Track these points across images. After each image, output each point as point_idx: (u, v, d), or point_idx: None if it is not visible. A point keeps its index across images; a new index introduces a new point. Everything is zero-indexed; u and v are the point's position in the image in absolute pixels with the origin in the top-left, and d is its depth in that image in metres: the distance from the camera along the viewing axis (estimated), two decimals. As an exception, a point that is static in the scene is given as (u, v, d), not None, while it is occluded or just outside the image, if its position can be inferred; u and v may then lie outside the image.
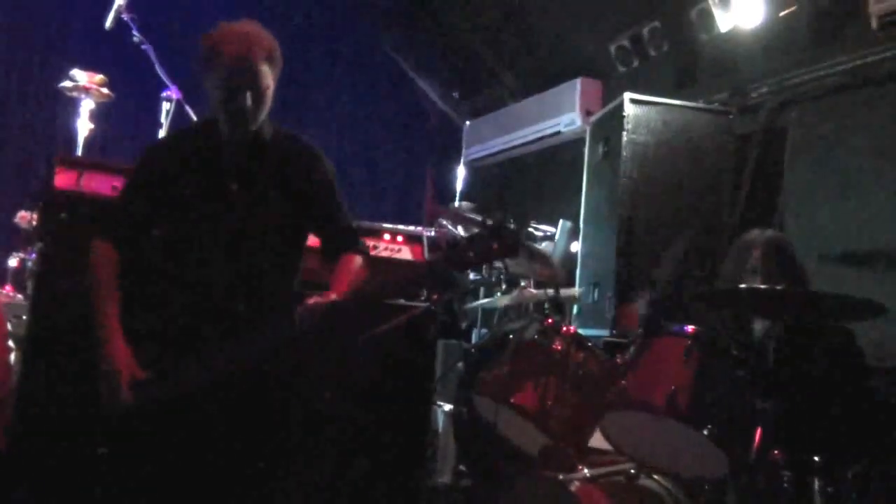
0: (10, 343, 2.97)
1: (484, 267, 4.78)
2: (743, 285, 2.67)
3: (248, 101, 2.25)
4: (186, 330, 2.28)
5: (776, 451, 2.35)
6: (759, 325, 2.92)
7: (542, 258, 3.69)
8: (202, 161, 2.38)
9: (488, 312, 5.05)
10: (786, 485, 2.39)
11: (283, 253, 2.44)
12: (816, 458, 2.48)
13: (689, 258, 3.85)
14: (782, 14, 4.41)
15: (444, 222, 3.77)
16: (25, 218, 4.40)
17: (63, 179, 2.82)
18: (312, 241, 2.56)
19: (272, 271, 2.38)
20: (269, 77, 2.29)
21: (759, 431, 2.30)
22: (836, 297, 2.34)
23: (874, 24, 3.84)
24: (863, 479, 2.61)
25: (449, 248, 2.12)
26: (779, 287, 2.41)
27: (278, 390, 2.36)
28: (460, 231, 3.67)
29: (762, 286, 2.51)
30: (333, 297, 2.25)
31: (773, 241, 2.94)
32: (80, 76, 4.18)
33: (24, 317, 3.19)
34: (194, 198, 2.34)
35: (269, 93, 2.32)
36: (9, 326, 3.00)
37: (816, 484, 2.43)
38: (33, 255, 4.31)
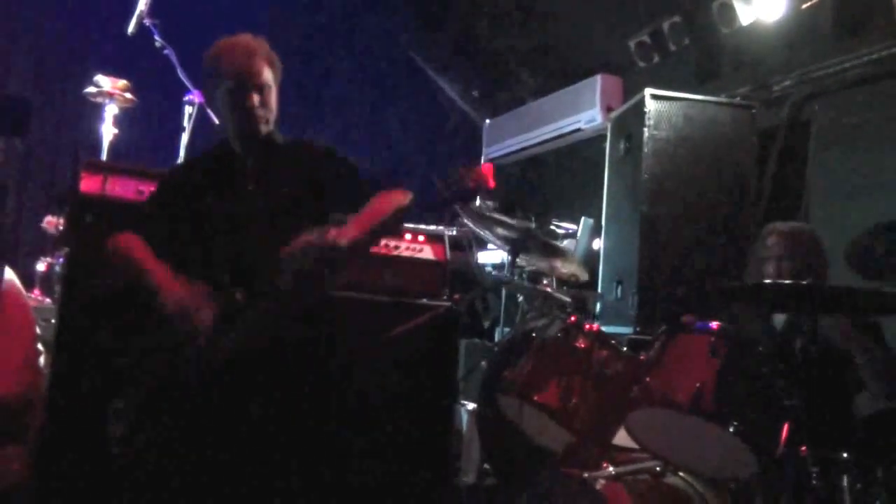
0: (40, 346, 3.01)
1: (507, 265, 4.78)
2: (767, 280, 2.66)
3: (256, 101, 2.36)
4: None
5: (803, 448, 2.33)
6: (778, 319, 2.90)
7: (563, 255, 3.68)
8: (219, 172, 2.47)
9: (510, 311, 5.05)
10: (814, 482, 2.37)
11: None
12: (845, 455, 2.46)
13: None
14: (805, 6, 4.38)
15: (466, 221, 3.76)
16: (52, 223, 4.46)
17: (89, 184, 2.86)
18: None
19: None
20: (271, 79, 2.40)
21: (786, 428, 2.28)
22: (863, 291, 2.31)
23: (898, 14, 3.80)
24: (893, 475, 2.58)
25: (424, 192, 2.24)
26: (804, 282, 2.38)
27: (311, 387, 2.38)
28: (481, 230, 3.67)
29: (786, 281, 2.48)
30: (332, 236, 2.24)
31: (797, 231, 2.94)
32: (104, 82, 4.23)
33: (53, 320, 3.24)
34: (214, 204, 2.42)
35: (274, 95, 2.42)
36: (38, 330, 3.04)
37: (845, 481, 2.40)
38: (61, 260, 4.37)
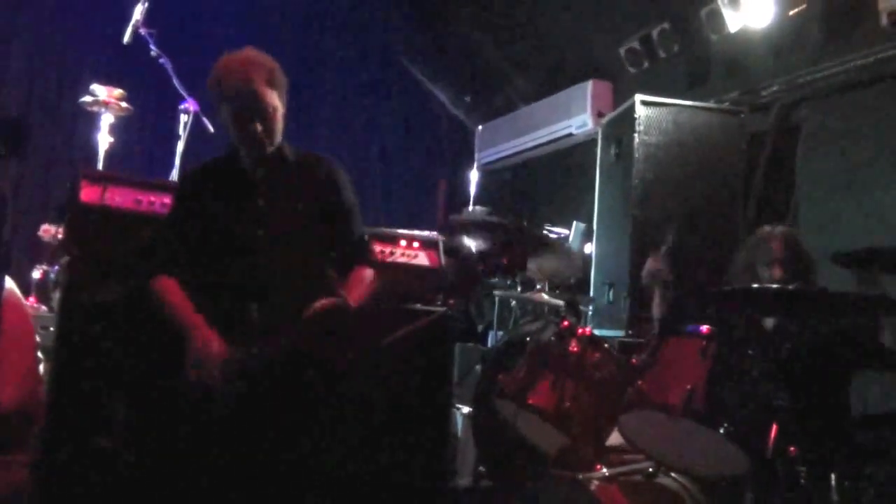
0: (39, 354, 3.04)
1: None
2: (756, 284, 2.71)
3: (259, 129, 2.37)
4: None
5: (792, 448, 2.38)
6: (769, 322, 2.95)
7: (562, 251, 3.71)
8: (230, 183, 2.49)
9: (504, 315, 5.09)
10: (803, 481, 2.42)
11: (309, 262, 2.52)
12: (833, 454, 2.51)
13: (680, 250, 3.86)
14: (792, 13, 4.43)
15: (456, 229, 3.81)
16: (49, 231, 4.48)
17: (88, 193, 2.89)
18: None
19: (298, 280, 2.45)
20: (274, 99, 2.40)
21: (774, 428, 2.33)
22: (851, 294, 2.37)
23: (884, 20, 3.86)
24: (881, 474, 2.63)
25: (461, 262, 2.23)
26: (792, 287, 2.43)
27: (309, 392, 2.41)
28: (470, 240, 3.71)
29: (777, 286, 2.53)
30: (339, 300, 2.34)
31: (789, 234, 3.01)
32: (100, 91, 4.25)
33: (51, 328, 3.26)
34: (225, 216, 2.45)
35: (279, 115, 2.43)
36: (37, 338, 3.07)
37: (833, 480, 2.45)
38: (56, 268, 4.39)
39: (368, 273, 2.57)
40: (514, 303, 4.67)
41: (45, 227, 4.52)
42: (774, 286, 2.70)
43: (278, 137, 2.47)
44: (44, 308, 4.47)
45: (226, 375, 2.26)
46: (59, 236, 4.22)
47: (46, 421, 2.79)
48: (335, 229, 2.57)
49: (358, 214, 2.63)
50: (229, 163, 2.54)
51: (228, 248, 2.44)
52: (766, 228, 3.09)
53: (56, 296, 3.88)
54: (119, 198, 2.90)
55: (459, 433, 3.97)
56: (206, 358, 2.25)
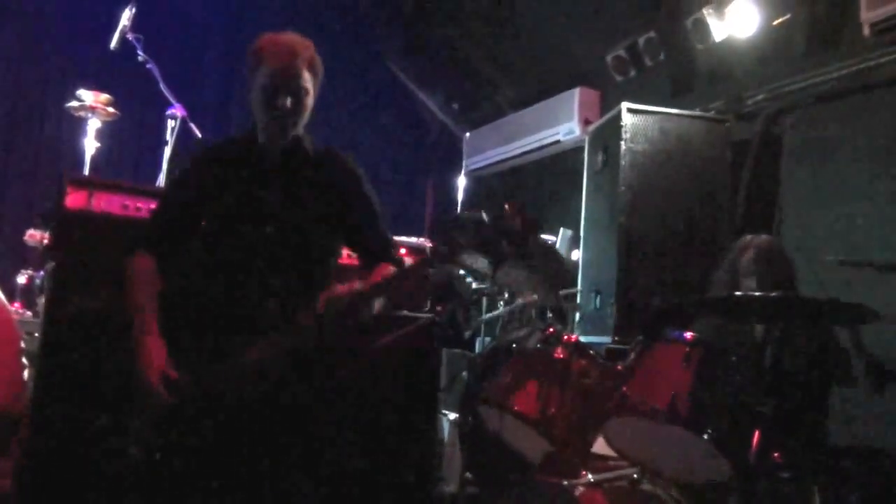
0: (24, 360, 3.02)
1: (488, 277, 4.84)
2: (738, 292, 2.73)
3: (288, 104, 2.31)
4: (218, 335, 2.30)
5: (775, 454, 2.39)
6: (759, 330, 2.97)
7: (552, 254, 3.72)
8: (242, 169, 2.42)
9: (491, 322, 5.10)
10: (786, 487, 2.44)
11: (318, 261, 2.47)
12: (816, 460, 2.53)
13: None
14: (776, 23, 4.48)
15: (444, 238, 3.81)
16: (35, 237, 4.46)
17: (74, 199, 2.88)
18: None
19: (307, 279, 2.40)
20: (309, 83, 2.37)
21: (757, 434, 2.35)
22: (829, 302, 2.39)
23: (867, 31, 3.90)
24: (863, 480, 2.65)
25: (479, 241, 2.13)
26: (773, 293, 2.45)
27: (300, 399, 2.38)
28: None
29: (758, 293, 2.55)
30: (358, 286, 2.28)
31: (764, 244, 3.04)
32: (87, 96, 4.25)
33: (36, 334, 3.25)
34: (233, 205, 2.38)
35: (310, 100, 2.39)
36: (22, 343, 3.05)
37: (816, 486, 2.48)
38: (42, 274, 4.37)
39: (392, 269, 2.45)
40: (501, 308, 4.67)
41: (30, 232, 4.51)
42: (753, 293, 2.72)
43: (302, 124, 2.41)
44: (29, 313, 4.45)
45: (171, 392, 2.19)
46: (45, 242, 4.20)
47: (30, 427, 2.77)
48: (362, 224, 2.52)
49: (381, 217, 2.58)
50: (245, 144, 2.46)
51: (232, 239, 2.37)
52: (746, 238, 3.13)
53: (41, 301, 3.87)
54: (105, 203, 2.90)
55: (446, 439, 3.98)
56: (145, 371, 2.20)
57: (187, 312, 2.34)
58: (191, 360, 2.26)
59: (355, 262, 3.41)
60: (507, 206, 1.95)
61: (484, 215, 2.47)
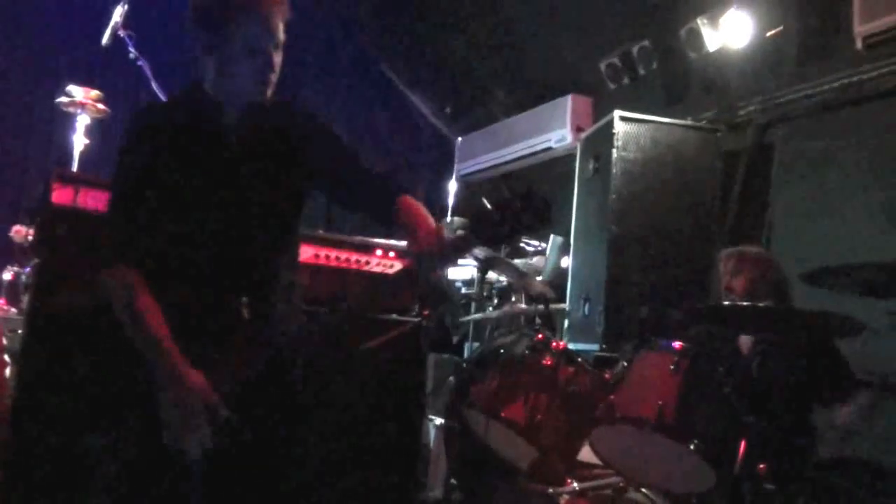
0: (6, 357, 2.99)
1: (476, 281, 4.84)
2: (726, 302, 2.73)
3: (276, 61, 2.03)
4: (190, 334, 1.98)
5: (761, 465, 2.39)
6: (745, 340, 2.98)
7: (532, 274, 3.73)
8: (200, 137, 2.06)
9: (480, 327, 5.09)
10: (771, 498, 2.44)
11: (289, 242, 2.20)
12: (801, 471, 2.53)
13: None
14: (769, 34, 4.49)
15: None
16: (21, 232, 4.42)
17: (60, 195, 2.85)
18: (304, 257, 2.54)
19: (279, 264, 2.14)
20: (282, 35, 2.06)
21: (743, 445, 2.34)
22: (816, 314, 2.39)
23: (859, 44, 3.92)
24: (848, 492, 2.65)
25: (475, 222, 1.83)
26: (761, 304, 2.45)
27: (287, 399, 2.19)
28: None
29: (744, 303, 2.55)
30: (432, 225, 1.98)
31: (752, 255, 3.06)
32: (77, 92, 4.22)
33: (20, 331, 3.22)
34: (196, 181, 2.03)
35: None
36: (4, 341, 3.02)
37: (801, 497, 2.47)
38: (28, 270, 4.33)
39: (414, 201, 2.14)
40: (491, 311, 4.67)
41: (16, 228, 4.47)
42: (741, 304, 2.72)
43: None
44: (13, 310, 4.41)
45: (215, 424, 1.90)
46: (31, 238, 4.17)
47: (11, 426, 2.74)
48: (351, 173, 2.20)
49: (363, 158, 2.25)
50: (196, 103, 2.08)
51: (202, 224, 2.03)
52: (730, 249, 3.17)
53: (26, 298, 3.83)
54: (92, 200, 2.87)
55: (431, 444, 3.96)
56: (191, 413, 1.87)
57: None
58: None
59: (353, 266, 3.41)
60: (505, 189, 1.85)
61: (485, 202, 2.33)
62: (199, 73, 2.09)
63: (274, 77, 2.04)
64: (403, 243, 3.58)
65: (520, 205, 1.82)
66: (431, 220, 2.04)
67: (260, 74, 2.02)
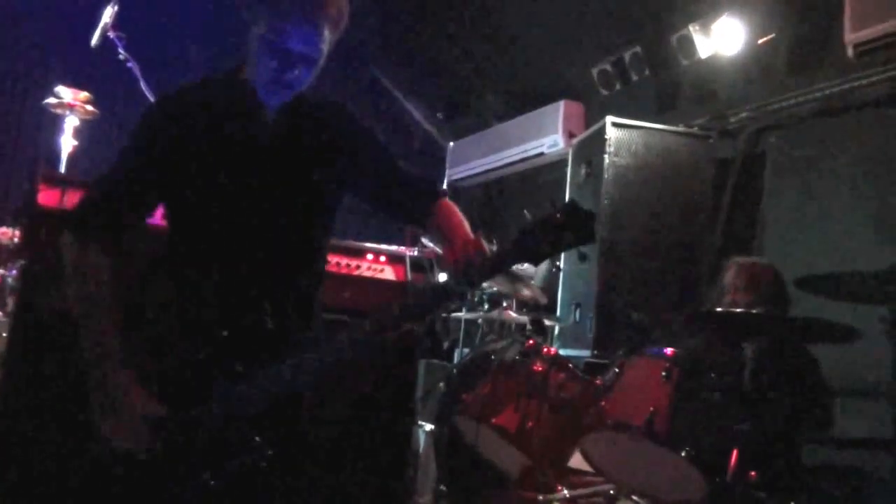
0: (-10, 360, 2.95)
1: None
2: (719, 308, 2.72)
3: (302, 78, 1.87)
4: (204, 355, 1.85)
5: (752, 473, 2.38)
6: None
7: (524, 280, 3.71)
8: (232, 125, 1.90)
9: (470, 332, 5.07)
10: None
11: (320, 249, 2.06)
12: (792, 479, 2.52)
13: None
14: (761, 41, 4.50)
15: (428, 242, 3.79)
16: (6, 234, 4.37)
17: (46, 197, 2.82)
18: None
19: (308, 272, 2.01)
20: (327, 44, 1.90)
21: (735, 453, 2.33)
22: (810, 321, 2.38)
23: (850, 52, 3.93)
24: (839, 499, 2.64)
25: (520, 238, 1.71)
26: (754, 311, 2.44)
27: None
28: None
29: (738, 310, 2.54)
30: (470, 236, 1.87)
31: (749, 264, 3.04)
32: (65, 93, 4.18)
33: (4, 334, 3.18)
34: (219, 172, 1.88)
35: (320, 64, 1.92)
36: (-11, 343, 2.98)
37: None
38: (13, 272, 4.28)
39: (452, 204, 2.04)
40: (480, 320, 4.65)
41: (2, 229, 4.42)
42: (734, 311, 2.71)
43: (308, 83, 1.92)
44: (-1, 313, 4.36)
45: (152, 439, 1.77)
46: (16, 239, 4.12)
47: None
48: (388, 175, 2.08)
49: (396, 157, 2.15)
50: (232, 94, 1.93)
51: (227, 226, 1.88)
52: (732, 259, 3.15)
53: (12, 301, 3.79)
54: (79, 202, 2.83)
55: (421, 450, 3.93)
56: (126, 410, 1.76)
57: (155, 326, 1.89)
58: (164, 390, 1.82)
59: (343, 270, 3.38)
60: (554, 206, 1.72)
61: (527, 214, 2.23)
62: (243, 53, 1.94)
63: (297, 83, 1.88)
64: (394, 247, 3.58)
65: (563, 219, 1.72)
66: (469, 228, 1.95)
67: (280, 74, 1.85)
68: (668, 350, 2.59)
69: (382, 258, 3.46)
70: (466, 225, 1.97)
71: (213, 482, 1.85)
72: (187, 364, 1.84)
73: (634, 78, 5.27)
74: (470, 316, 4.67)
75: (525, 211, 2.39)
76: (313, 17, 1.83)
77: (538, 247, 1.72)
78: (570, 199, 1.76)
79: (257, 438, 1.85)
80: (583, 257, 4.60)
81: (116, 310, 1.85)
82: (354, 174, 2.06)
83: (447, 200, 2.06)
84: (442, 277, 4.27)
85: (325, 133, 2.02)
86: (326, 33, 1.86)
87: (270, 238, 1.92)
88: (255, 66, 1.89)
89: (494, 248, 1.82)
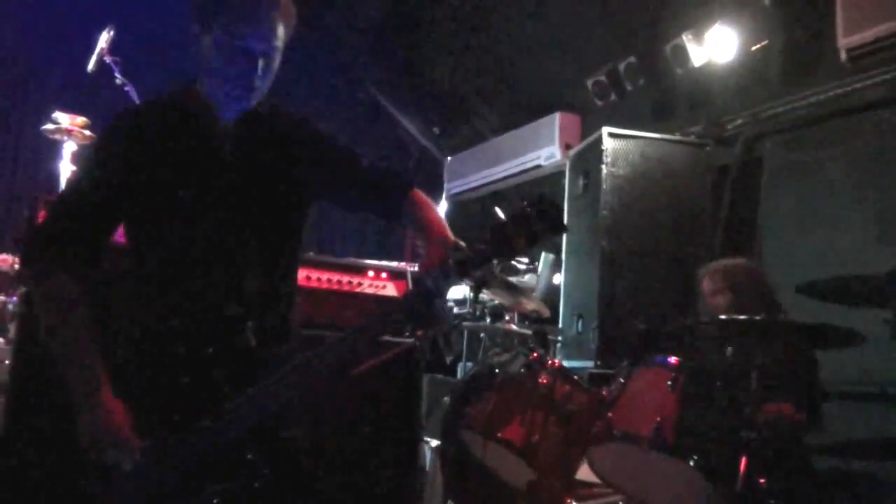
0: (-7, 388, 2.94)
1: (469, 302, 4.81)
2: (722, 316, 2.72)
3: (260, 70, 1.84)
4: (182, 377, 1.81)
5: (761, 480, 2.37)
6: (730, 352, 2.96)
7: (526, 292, 3.71)
8: (190, 142, 1.89)
9: (473, 346, 5.06)
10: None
11: (292, 259, 2.04)
12: (802, 486, 2.51)
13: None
14: (754, 48, 4.52)
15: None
16: (7, 261, 4.37)
17: (47, 223, 2.81)
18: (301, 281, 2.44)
19: (282, 284, 1.98)
20: (281, 41, 1.88)
21: (744, 461, 2.32)
22: (816, 326, 2.38)
23: (843, 56, 3.95)
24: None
25: (492, 233, 1.72)
26: (758, 317, 2.44)
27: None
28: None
29: (742, 316, 2.54)
30: (445, 232, 1.88)
31: (730, 266, 3.06)
32: (63, 119, 4.19)
33: (6, 361, 3.17)
34: (182, 190, 1.86)
35: (278, 60, 1.90)
36: (-9, 371, 2.98)
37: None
38: (14, 298, 4.28)
39: (424, 196, 2.04)
40: (483, 334, 4.64)
41: (2, 256, 4.42)
42: (741, 317, 2.71)
43: (266, 88, 1.91)
44: (1, 340, 4.35)
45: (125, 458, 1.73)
46: (17, 266, 4.12)
47: (1, 456, 2.69)
48: (352, 176, 2.06)
49: (363, 155, 2.12)
50: (189, 105, 1.91)
51: (196, 242, 1.86)
52: (709, 265, 3.17)
53: (13, 327, 3.78)
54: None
55: (427, 466, 3.91)
56: (114, 434, 1.72)
57: (135, 351, 1.86)
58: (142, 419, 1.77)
59: (345, 288, 3.38)
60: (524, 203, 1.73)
61: (499, 212, 2.24)
62: (194, 68, 1.93)
63: (260, 83, 1.87)
64: (395, 264, 3.58)
65: (532, 212, 1.73)
66: (443, 221, 1.95)
67: (244, 77, 1.84)
68: (673, 359, 2.58)
69: (384, 275, 3.46)
70: (439, 217, 1.98)
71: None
72: (174, 386, 1.80)
73: (629, 88, 5.29)
74: (472, 326, 4.66)
75: (495, 209, 2.38)
76: (267, 14, 1.83)
77: (512, 241, 1.73)
78: (539, 193, 1.77)
79: (250, 457, 1.82)
80: (557, 263, 4.60)
81: (94, 332, 1.80)
82: (319, 180, 2.04)
83: (418, 193, 2.05)
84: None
85: (285, 142, 2.00)
86: (281, 30, 1.86)
87: (243, 253, 1.89)
88: (211, 78, 1.89)
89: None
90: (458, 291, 5.07)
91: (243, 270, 1.89)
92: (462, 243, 1.82)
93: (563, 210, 1.76)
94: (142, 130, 1.88)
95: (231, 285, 1.88)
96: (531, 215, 1.72)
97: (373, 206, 2.13)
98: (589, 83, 5.52)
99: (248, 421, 1.77)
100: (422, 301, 1.79)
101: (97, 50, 3.91)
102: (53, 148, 4.33)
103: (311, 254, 3.41)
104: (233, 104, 1.89)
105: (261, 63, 1.83)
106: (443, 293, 1.83)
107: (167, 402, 1.80)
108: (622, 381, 2.68)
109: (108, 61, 3.91)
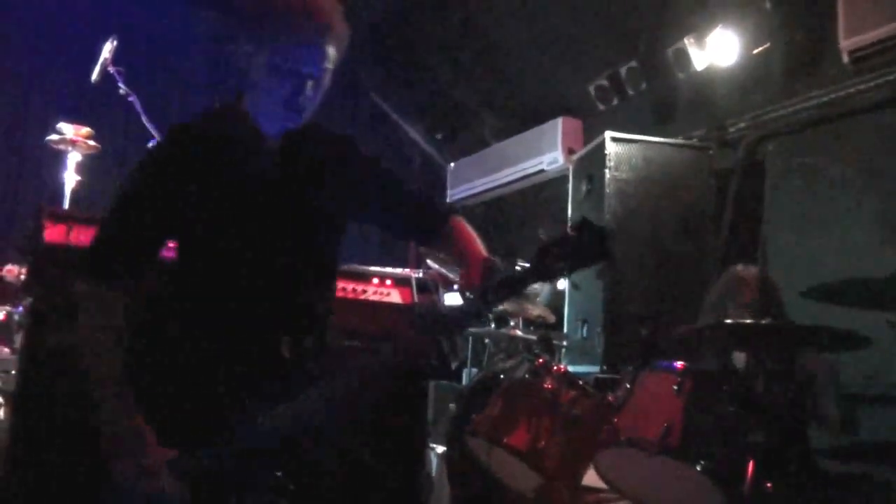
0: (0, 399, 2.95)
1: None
2: (729, 320, 2.71)
3: (308, 93, 1.85)
4: (220, 390, 1.82)
5: (769, 484, 2.36)
6: (738, 357, 2.96)
7: (531, 298, 3.71)
8: (237, 159, 1.88)
9: (478, 352, 5.06)
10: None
11: (330, 277, 2.07)
12: (810, 489, 2.50)
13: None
14: (756, 51, 4.52)
15: (432, 263, 3.79)
16: (13, 272, 4.38)
17: (52, 233, 2.83)
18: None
19: (319, 300, 2.00)
20: (332, 62, 1.91)
21: (751, 465, 2.31)
22: (823, 329, 2.37)
23: (845, 58, 3.95)
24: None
25: (538, 257, 1.71)
26: (765, 321, 2.44)
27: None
28: (447, 272, 3.69)
29: (751, 321, 2.54)
30: (483, 256, 1.92)
31: (763, 279, 3.04)
32: (67, 129, 4.21)
33: (12, 371, 3.18)
34: (232, 212, 1.86)
35: (328, 81, 1.93)
36: (-2, 382, 2.99)
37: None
38: (20, 309, 4.29)
39: (464, 223, 2.06)
40: (488, 340, 4.64)
41: (8, 267, 4.42)
42: (745, 321, 2.71)
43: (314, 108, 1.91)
44: (7, 350, 4.36)
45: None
46: (24, 277, 4.13)
47: (5, 470, 2.70)
48: (395, 199, 2.09)
49: (406, 181, 2.16)
50: (231, 130, 1.90)
51: (240, 259, 1.86)
52: (740, 269, 3.12)
53: (20, 338, 3.79)
54: (85, 237, 2.83)
55: (433, 473, 3.91)
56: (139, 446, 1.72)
57: (170, 369, 1.86)
58: (179, 430, 1.77)
59: (350, 295, 3.38)
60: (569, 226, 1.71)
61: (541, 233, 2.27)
62: (238, 84, 1.93)
63: (307, 103, 1.88)
64: (399, 270, 3.58)
65: (576, 237, 1.71)
66: (482, 248, 1.98)
67: (291, 98, 1.84)
68: (679, 363, 2.58)
69: (388, 282, 3.47)
70: (480, 244, 2.00)
71: None
72: (205, 399, 1.80)
73: (631, 92, 5.30)
74: (477, 332, 4.66)
75: (540, 230, 2.39)
76: (319, 37, 1.83)
77: (555, 265, 1.72)
78: (581, 216, 1.76)
79: (279, 474, 1.82)
80: (575, 286, 4.60)
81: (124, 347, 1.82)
82: (361, 201, 2.07)
83: (459, 220, 2.08)
84: (449, 298, 4.27)
85: (329, 162, 2.02)
86: (332, 53, 1.87)
87: (283, 268, 1.91)
88: (257, 96, 1.89)
89: (501, 265, 1.85)
90: (461, 298, 5.07)
91: (283, 284, 1.90)
92: (500, 265, 1.85)
93: (607, 236, 1.74)
94: (193, 146, 1.87)
95: (270, 299, 1.88)
96: (577, 241, 1.71)
97: (413, 232, 2.18)
98: (591, 88, 5.52)
99: (280, 434, 1.79)
100: (459, 322, 1.86)
101: (101, 60, 3.92)
102: (58, 158, 4.35)
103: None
104: (278, 123, 1.90)
105: (309, 84, 1.84)
106: (480, 316, 1.87)
107: (202, 414, 1.80)
108: (628, 385, 2.68)
109: (111, 71, 3.93)
